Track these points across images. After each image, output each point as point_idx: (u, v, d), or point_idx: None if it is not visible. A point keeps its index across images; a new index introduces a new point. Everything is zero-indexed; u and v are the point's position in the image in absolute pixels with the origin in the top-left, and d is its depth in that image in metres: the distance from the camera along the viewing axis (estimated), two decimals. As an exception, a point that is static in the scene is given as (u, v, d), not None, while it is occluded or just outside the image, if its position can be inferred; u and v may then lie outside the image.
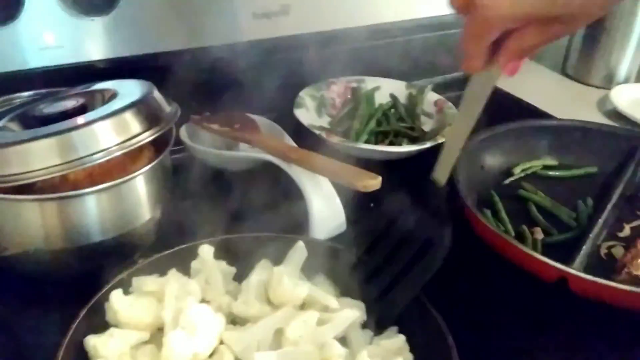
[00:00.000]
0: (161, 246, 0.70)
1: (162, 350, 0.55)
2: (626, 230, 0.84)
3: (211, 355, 0.58)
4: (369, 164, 0.77)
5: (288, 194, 0.79)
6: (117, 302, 0.59)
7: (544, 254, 0.72)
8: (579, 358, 0.68)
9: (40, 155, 0.60)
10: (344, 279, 0.65)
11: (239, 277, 0.66)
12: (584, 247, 0.76)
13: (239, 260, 0.67)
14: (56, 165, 0.61)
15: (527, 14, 0.51)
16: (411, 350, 0.60)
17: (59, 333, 0.58)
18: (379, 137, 0.97)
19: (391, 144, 0.96)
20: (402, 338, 0.60)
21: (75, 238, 0.66)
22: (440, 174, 0.64)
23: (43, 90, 0.75)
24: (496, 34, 0.54)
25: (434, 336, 0.57)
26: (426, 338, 0.59)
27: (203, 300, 0.62)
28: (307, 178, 0.78)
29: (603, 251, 0.80)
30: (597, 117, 1.19)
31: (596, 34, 1.28)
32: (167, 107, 0.70)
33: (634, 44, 1.26)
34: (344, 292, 0.65)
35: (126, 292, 0.61)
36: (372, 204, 0.85)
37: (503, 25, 0.53)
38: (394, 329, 0.62)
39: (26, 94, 0.75)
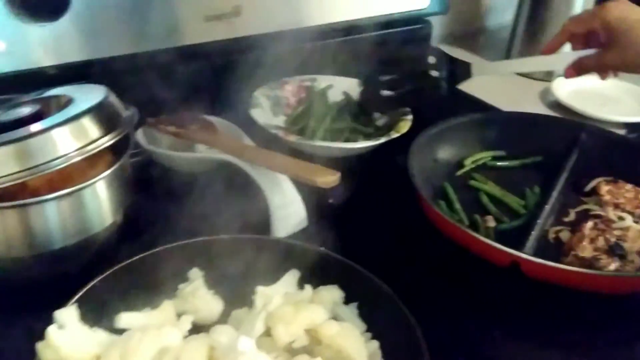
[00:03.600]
0: (124, 250, 0.70)
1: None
2: (571, 215, 0.89)
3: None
4: (325, 161, 0.79)
5: (248, 193, 0.80)
6: (56, 337, 0.54)
7: (496, 240, 0.76)
8: (535, 337, 0.72)
9: (-2, 163, 0.60)
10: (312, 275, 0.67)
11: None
12: (533, 232, 0.80)
13: (204, 263, 0.68)
14: (15, 173, 0.60)
15: None
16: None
17: (24, 340, 0.58)
18: (335, 134, 0.99)
19: (346, 140, 0.98)
20: (375, 344, 0.61)
21: (37, 245, 0.65)
22: None
23: (-4, 97, 0.74)
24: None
25: (408, 341, 0.58)
26: (399, 341, 0.60)
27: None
28: (266, 177, 0.79)
29: (551, 236, 0.84)
30: (540, 109, 1.24)
31: (536, 29, 1.34)
32: (124, 111, 0.70)
33: (572, 37, 1.32)
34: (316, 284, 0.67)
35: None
36: (330, 200, 0.88)
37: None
38: (368, 334, 0.63)
39: (-22, 101, 0.74)
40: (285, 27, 1.03)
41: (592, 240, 0.80)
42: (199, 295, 0.64)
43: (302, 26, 1.05)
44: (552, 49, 0.89)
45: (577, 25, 0.85)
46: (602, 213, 0.87)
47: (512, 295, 0.75)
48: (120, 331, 0.60)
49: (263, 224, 0.79)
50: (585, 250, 0.78)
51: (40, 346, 0.54)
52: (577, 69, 0.86)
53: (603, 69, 0.86)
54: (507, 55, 1.43)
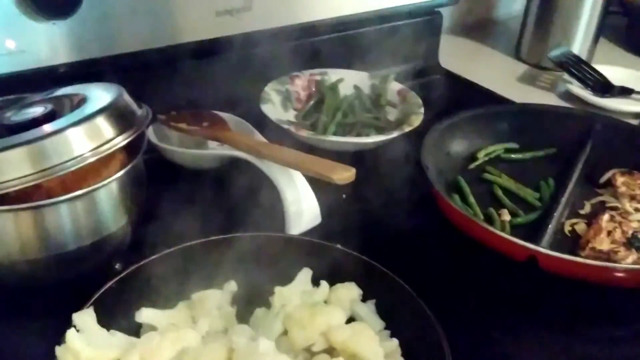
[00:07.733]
0: (138, 249, 0.70)
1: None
2: (587, 207, 0.88)
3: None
4: (337, 156, 0.78)
5: (261, 190, 0.79)
6: (76, 341, 0.54)
7: (512, 234, 0.76)
8: (552, 332, 0.71)
9: (12, 165, 0.59)
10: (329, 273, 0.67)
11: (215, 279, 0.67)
12: (549, 225, 0.79)
13: (219, 262, 0.68)
14: (29, 175, 0.60)
15: None
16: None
17: (42, 343, 0.58)
18: (347, 128, 0.98)
19: (358, 135, 0.97)
20: (395, 342, 0.60)
21: (51, 246, 0.65)
22: None
23: (8, 97, 0.74)
24: None
25: (428, 337, 0.58)
26: (418, 337, 0.60)
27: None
28: (279, 173, 0.78)
29: (567, 228, 0.84)
30: (551, 99, 1.23)
31: (546, 19, 1.32)
32: (138, 110, 0.70)
33: (583, 27, 1.31)
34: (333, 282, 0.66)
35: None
36: (344, 195, 0.87)
37: None
38: (387, 332, 0.62)
39: (-9, 101, 0.74)
40: (296, 21, 1.02)
41: (609, 233, 0.79)
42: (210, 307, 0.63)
43: (312, 20, 1.04)
44: None
45: None
46: (618, 205, 0.86)
47: (529, 289, 0.75)
48: (136, 333, 0.60)
49: (277, 221, 0.78)
50: (603, 243, 0.78)
51: (59, 350, 0.54)
52: None
53: None
54: (517, 49, 1.42)
